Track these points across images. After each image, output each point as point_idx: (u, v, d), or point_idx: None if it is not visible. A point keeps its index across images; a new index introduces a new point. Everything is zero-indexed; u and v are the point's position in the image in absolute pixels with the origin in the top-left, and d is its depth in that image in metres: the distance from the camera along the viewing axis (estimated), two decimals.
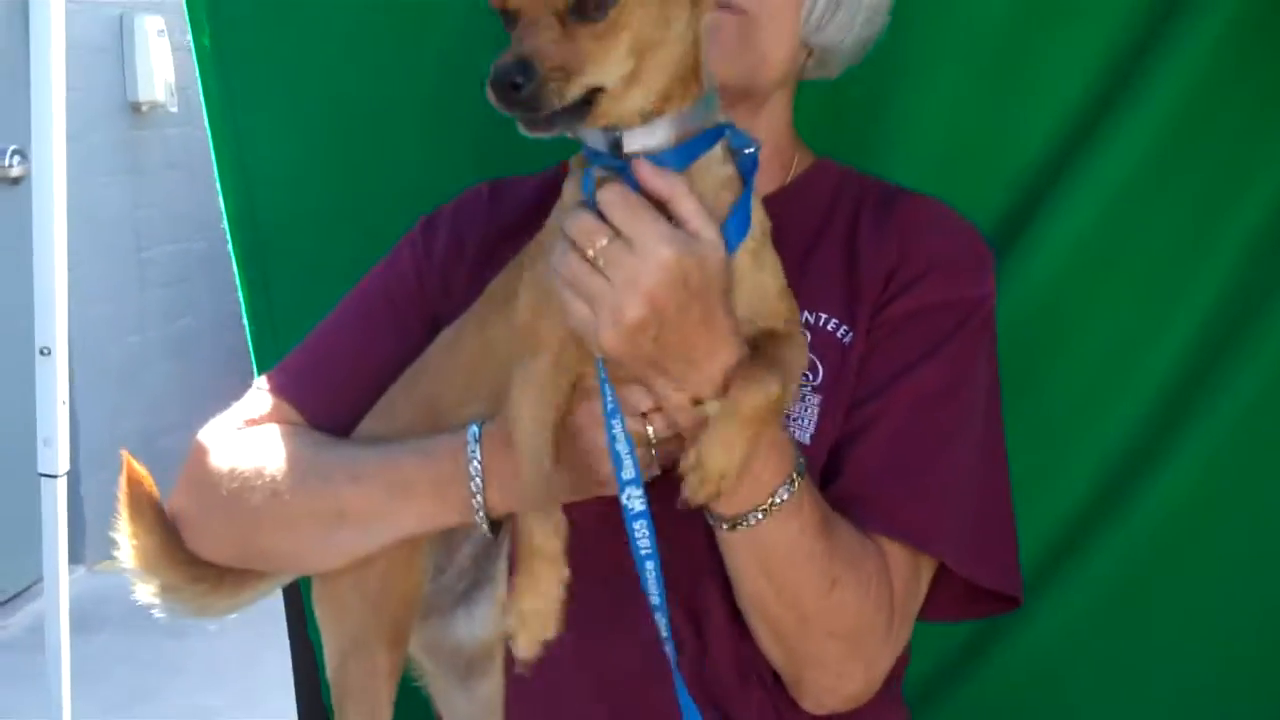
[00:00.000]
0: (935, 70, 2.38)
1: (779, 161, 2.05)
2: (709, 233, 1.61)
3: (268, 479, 1.90)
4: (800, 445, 1.82)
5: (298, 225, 2.57)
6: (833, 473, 1.87)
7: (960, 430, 1.89)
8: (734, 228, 1.64)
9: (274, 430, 1.98)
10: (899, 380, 1.88)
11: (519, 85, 1.47)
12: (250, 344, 2.63)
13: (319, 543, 1.90)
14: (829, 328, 1.91)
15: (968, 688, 2.50)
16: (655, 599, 1.66)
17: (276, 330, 2.60)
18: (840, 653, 1.81)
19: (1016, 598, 1.93)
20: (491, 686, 1.93)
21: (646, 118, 1.60)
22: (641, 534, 1.64)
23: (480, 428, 1.78)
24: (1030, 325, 2.39)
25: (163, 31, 6.89)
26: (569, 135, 1.59)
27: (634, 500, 1.64)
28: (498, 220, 2.11)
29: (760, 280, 1.72)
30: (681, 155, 1.62)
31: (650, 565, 1.65)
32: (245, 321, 2.62)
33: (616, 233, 1.57)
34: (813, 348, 1.87)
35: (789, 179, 2.07)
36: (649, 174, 1.60)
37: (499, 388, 1.74)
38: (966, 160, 2.42)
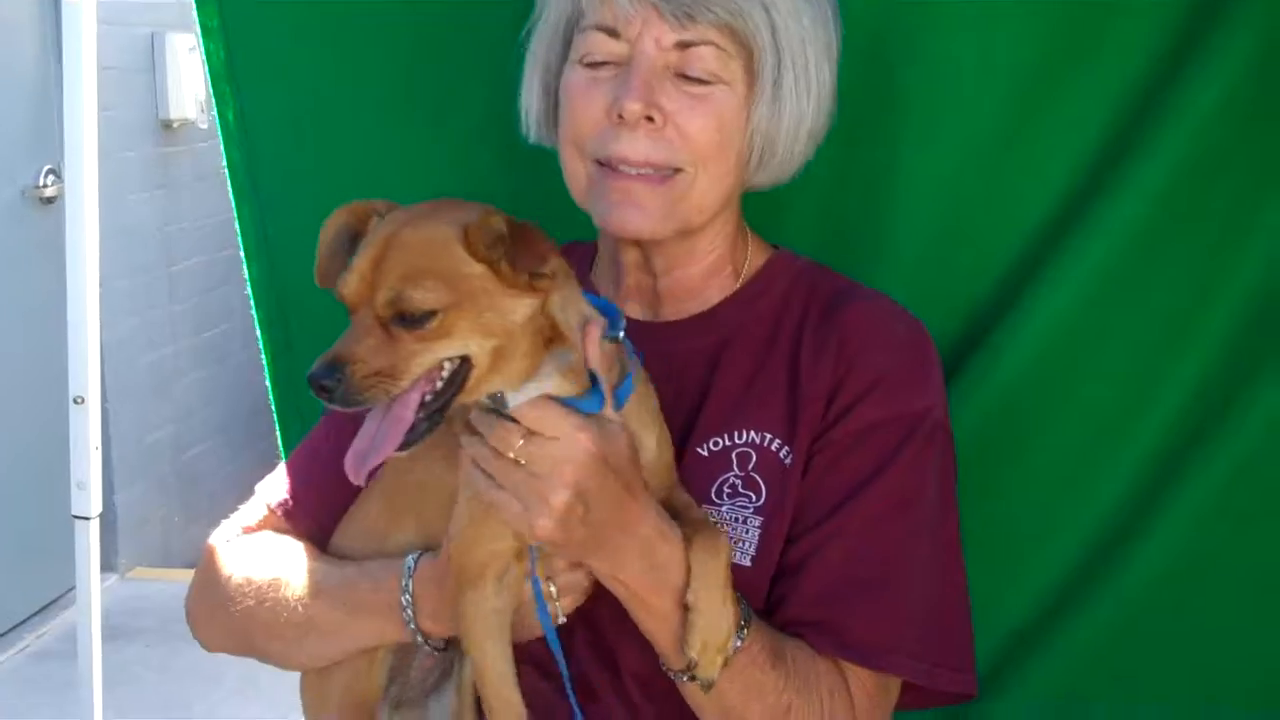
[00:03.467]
0: (933, 145, 2.42)
1: (728, 270, 2.12)
2: (612, 412, 1.76)
3: (253, 589, 2.10)
4: (741, 568, 1.92)
5: (318, 293, 2.65)
6: (782, 596, 1.94)
7: (910, 546, 1.95)
8: (621, 396, 1.80)
9: (265, 541, 2.17)
10: (846, 503, 1.94)
11: (329, 388, 1.62)
12: (274, 408, 2.73)
13: (293, 648, 2.10)
14: (772, 447, 1.98)
15: None
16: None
17: (299, 389, 2.68)
18: None
19: (971, 694, 2.01)
20: None
21: (520, 380, 1.73)
22: (570, 690, 1.87)
23: (415, 562, 1.95)
24: (1017, 397, 2.43)
25: (193, 49, 6.95)
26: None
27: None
28: None
29: (661, 455, 1.90)
30: (589, 405, 1.76)
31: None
32: (268, 381, 2.72)
33: (529, 433, 1.71)
34: (756, 468, 1.97)
35: (740, 284, 2.12)
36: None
37: (421, 519, 2.00)
38: (962, 230, 2.46)
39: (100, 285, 6.54)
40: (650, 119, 1.93)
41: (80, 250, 3.08)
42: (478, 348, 1.68)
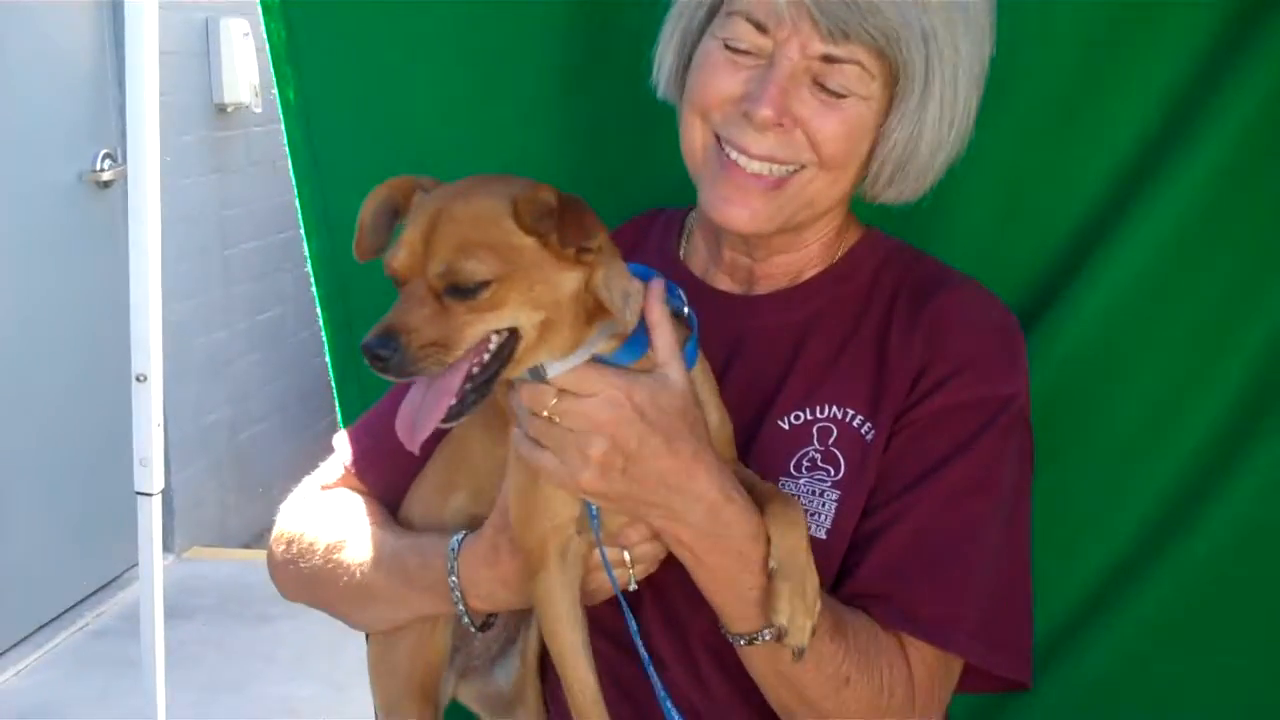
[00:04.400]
0: (995, 120, 2.39)
1: (826, 246, 2.13)
2: (673, 370, 1.77)
3: (320, 550, 2.16)
4: (817, 540, 1.92)
5: (376, 261, 2.66)
6: (852, 568, 1.95)
7: (982, 530, 1.95)
8: (689, 355, 1.83)
9: (339, 500, 2.23)
10: (923, 480, 1.94)
11: (384, 357, 1.64)
12: (333, 381, 2.75)
13: (358, 611, 2.17)
14: (854, 424, 1.99)
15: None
16: (661, 694, 1.86)
17: (359, 364, 2.70)
18: None
19: (1026, 684, 2.01)
20: (523, 714, 2.19)
21: (563, 354, 1.74)
22: (642, 647, 1.86)
23: (459, 544, 1.98)
24: (1083, 364, 2.43)
25: (247, 34, 7.01)
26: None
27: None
28: None
29: (723, 428, 1.92)
30: (625, 355, 1.78)
31: (651, 670, 1.87)
32: (328, 357, 2.75)
33: (563, 390, 1.73)
34: (836, 443, 1.98)
35: (835, 258, 2.13)
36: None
37: (474, 485, 2.05)
38: (1024, 205, 2.46)
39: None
40: (780, 124, 1.93)
41: (142, 230, 3.12)
42: (526, 320, 1.69)
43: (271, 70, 2.66)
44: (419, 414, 1.70)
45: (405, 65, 2.62)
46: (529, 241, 1.70)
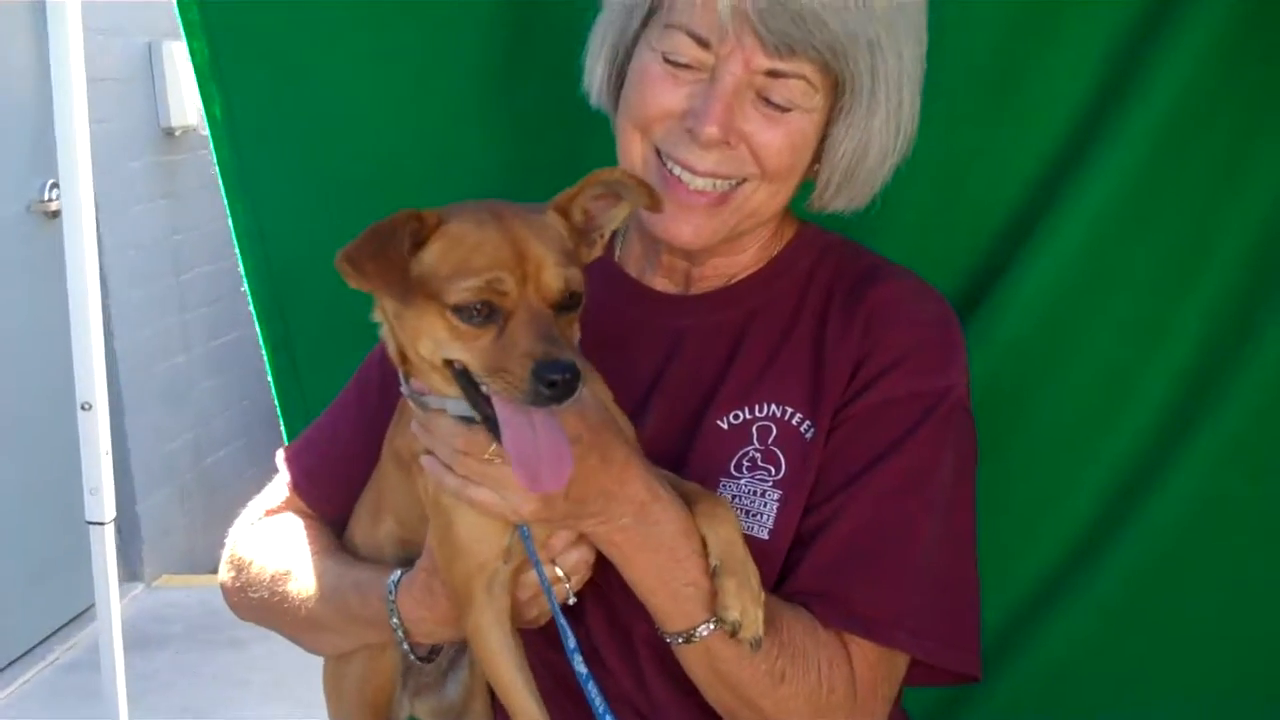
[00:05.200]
0: (926, 100, 2.40)
1: (764, 246, 2.11)
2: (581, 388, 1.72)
3: (267, 579, 2.16)
4: (759, 541, 1.91)
5: (313, 277, 2.62)
6: (792, 566, 1.93)
7: (922, 522, 1.93)
8: None
9: (281, 528, 2.22)
10: (861, 476, 1.92)
11: (571, 384, 1.58)
12: (276, 400, 2.72)
13: (307, 637, 2.17)
14: (793, 421, 1.97)
15: (975, 716, 2.54)
16: (599, 709, 1.83)
17: (300, 378, 2.70)
18: None
19: (975, 676, 1.98)
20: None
21: None
22: (579, 663, 1.83)
23: (395, 584, 1.96)
24: (1027, 346, 2.42)
25: None
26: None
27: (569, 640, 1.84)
28: None
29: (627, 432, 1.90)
30: None
31: (590, 687, 1.83)
32: (270, 378, 2.72)
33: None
34: (776, 441, 1.96)
35: (772, 255, 2.11)
36: None
37: (397, 513, 2.03)
38: (959, 186, 2.45)
39: (110, 296, 6.65)
40: (725, 141, 1.92)
41: (80, 253, 3.09)
42: (578, 332, 1.70)
43: (197, 88, 2.63)
44: (549, 456, 1.63)
45: (331, 73, 2.60)
46: (575, 246, 1.72)
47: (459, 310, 1.63)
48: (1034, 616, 2.50)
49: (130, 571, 6.87)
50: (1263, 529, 2.42)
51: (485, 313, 1.63)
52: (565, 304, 1.66)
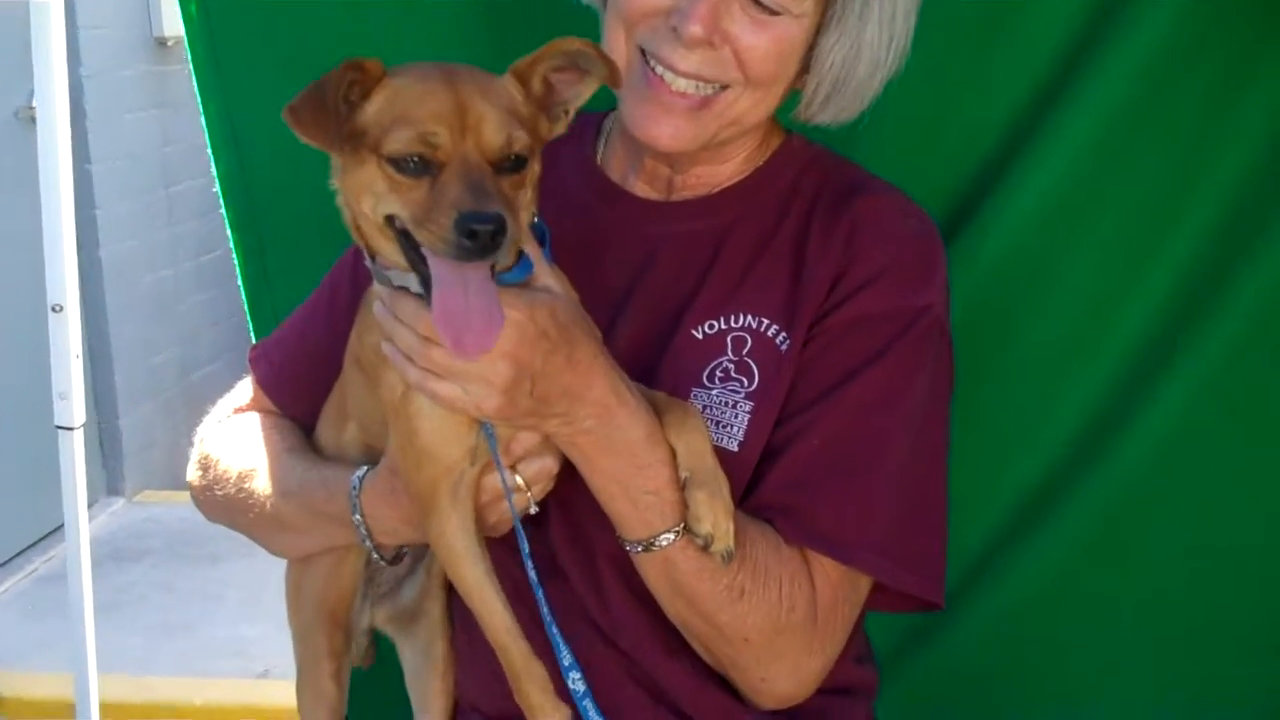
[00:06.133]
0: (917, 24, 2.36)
1: (749, 156, 2.06)
2: (552, 281, 1.71)
3: (233, 478, 2.12)
4: (729, 453, 1.87)
5: (288, 182, 2.55)
6: (759, 479, 1.89)
7: (892, 441, 1.89)
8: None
9: (251, 424, 2.18)
10: (834, 390, 1.88)
11: (495, 236, 1.54)
12: (247, 308, 2.67)
13: (271, 538, 2.13)
14: (768, 333, 1.93)
15: (943, 648, 2.53)
16: (546, 618, 1.82)
17: (272, 286, 2.65)
18: (759, 657, 1.86)
19: (938, 603, 1.95)
20: (426, 626, 2.16)
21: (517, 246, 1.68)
22: (531, 570, 1.82)
23: (360, 481, 1.93)
24: (1009, 270, 2.39)
25: None
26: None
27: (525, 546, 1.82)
28: None
29: None
30: (519, 272, 1.71)
31: (539, 593, 1.82)
32: (240, 284, 2.67)
33: None
34: (750, 353, 1.92)
35: (756, 165, 2.07)
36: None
37: (359, 417, 2.00)
38: (946, 111, 2.41)
39: (97, 207, 6.58)
40: (709, 42, 1.87)
41: (53, 150, 3.02)
42: (528, 201, 1.66)
43: (186, 41, 2.57)
44: (477, 318, 1.59)
45: (324, 24, 2.53)
46: (529, 112, 1.68)
47: (394, 161, 1.61)
48: (1004, 548, 2.48)
49: (111, 486, 6.86)
50: (1238, 463, 2.40)
51: (420, 164, 1.60)
52: (507, 164, 1.62)
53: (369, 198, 1.65)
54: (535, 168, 1.68)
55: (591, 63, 1.74)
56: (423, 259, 1.62)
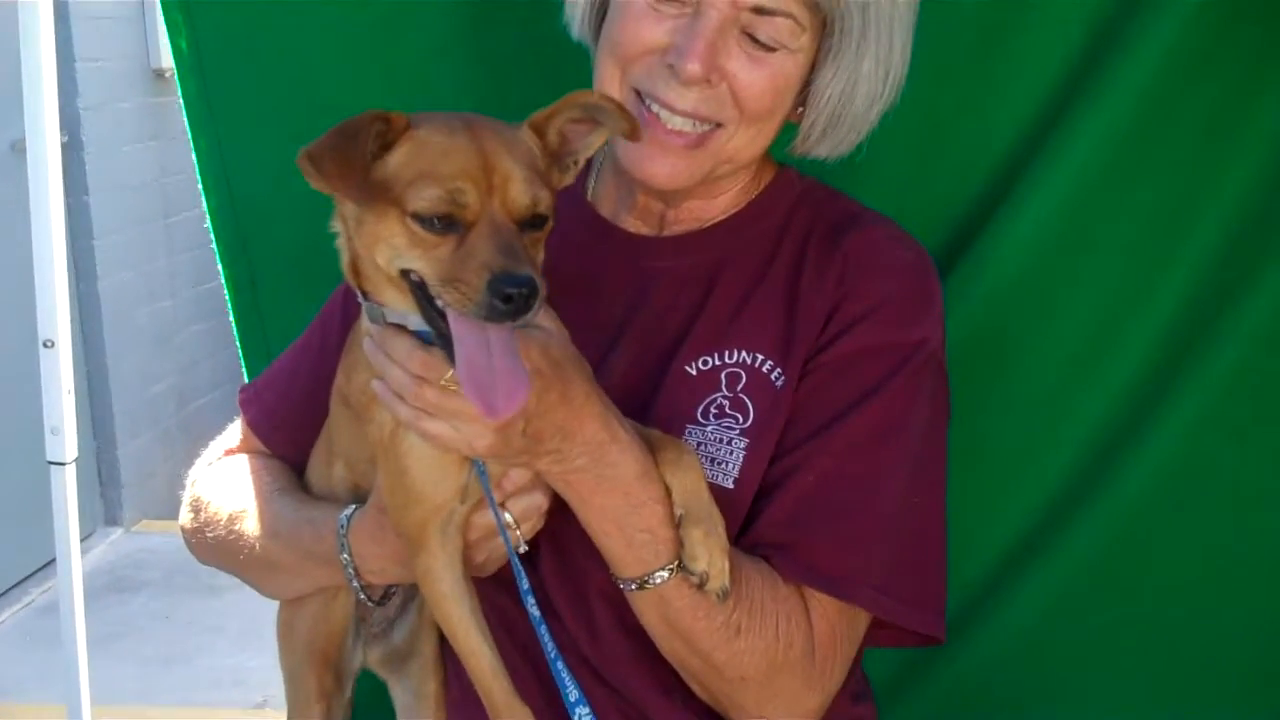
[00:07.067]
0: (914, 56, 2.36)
1: (742, 190, 2.05)
2: (545, 320, 1.69)
3: (223, 520, 2.10)
4: (724, 490, 1.85)
5: (279, 216, 2.58)
6: (755, 516, 1.87)
7: (888, 479, 1.87)
8: None
9: (241, 465, 2.17)
10: (829, 426, 1.87)
11: (528, 299, 1.52)
12: (238, 341, 2.67)
13: (263, 580, 2.12)
14: (763, 369, 1.91)
15: (943, 679, 2.51)
16: (551, 654, 1.80)
17: (264, 320, 2.65)
18: (757, 695, 1.84)
19: (938, 638, 1.93)
20: (418, 666, 2.12)
21: None
22: (533, 606, 1.79)
23: (348, 520, 1.91)
24: (1006, 303, 2.38)
25: None
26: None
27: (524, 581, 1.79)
28: None
29: None
30: None
31: (542, 630, 1.79)
32: (232, 318, 2.66)
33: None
34: (745, 389, 1.90)
35: (749, 199, 2.05)
36: None
37: (346, 456, 1.99)
38: (943, 140, 2.40)
39: (96, 238, 6.57)
40: (707, 80, 1.86)
41: (43, 182, 3.02)
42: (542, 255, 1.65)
43: (175, 71, 2.56)
44: (503, 376, 1.55)
45: (300, 8, 2.52)
46: (545, 164, 1.67)
47: (419, 217, 1.58)
48: (1003, 581, 2.46)
49: (109, 516, 6.84)
50: (1239, 493, 2.38)
51: (446, 222, 1.57)
52: (530, 222, 1.61)
53: (385, 250, 1.62)
54: (551, 223, 1.66)
55: (609, 117, 1.72)
56: (440, 315, 1.59)
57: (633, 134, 1.73)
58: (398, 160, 1.62)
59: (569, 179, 1.77)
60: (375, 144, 1.61)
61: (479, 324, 1.55)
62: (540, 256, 1.64)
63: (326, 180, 1.59)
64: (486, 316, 1.53)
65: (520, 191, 1.59)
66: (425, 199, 1.57)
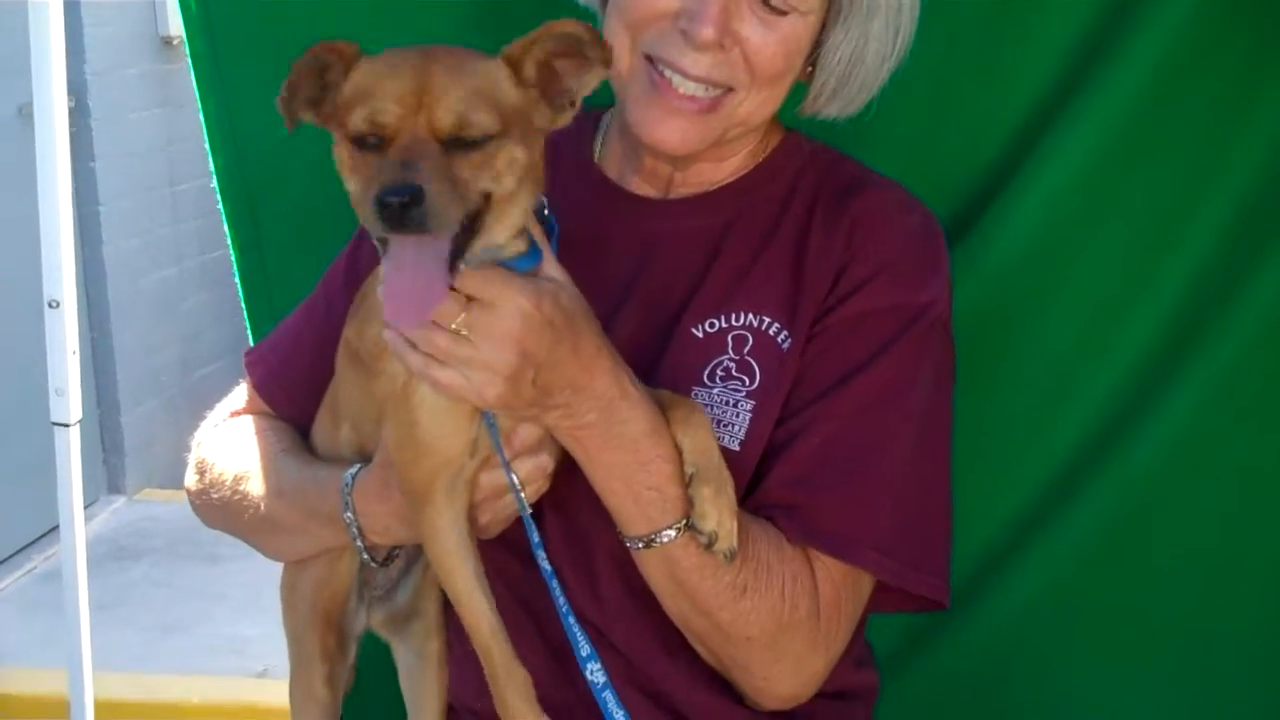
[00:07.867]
0: (921, 27, 2.32)
1: (751, 153, 2.05)
2: (557, 272, 1.69)
3: (228, 480, 2.09)
4: (730, 452, 1.84)
5: (286, 177, 2.58)
6: (760, 478, 1.87)
7: (895, 438, 1.87)
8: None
9: (246, 427, 2.16)
10: (835, 388, 1.86)
11: (408, 208, 1.51)
12: (244, 304, 2.65)
13: (267, 541, 2.10)
14: (770, 331, 1.91)
15: (946, 651, 2.50)
16: (563, 609, 1.79)
17: (270, 282, 2.63)
18: (761, 656, 1.84)
19: (942, 603, 1.93)
20: (421, 626, 2.12)
21: (512, 233, 1.66)
22: (544, 559, 1.79)
23: (352, 478, 1.90)
24: (1015, 274, 2.37)
25: None
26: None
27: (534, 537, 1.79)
28: None
29: None
30: (529, 260, 1.69)
31: (554, 583, 1.79)
32: (237, 280, 2.65)
33: (469, 301, 1.62)
34: (751, 351, 1.90)
35: (757, 163, 2.05)
36: None
37: (352, 416, 1.97)
38: (951, 115, 2.39)
39: (102, 204, 6.56)
40: (720, 44, 1.85)
41: (50, 139, 3.01)
42: (505, 184, 1.62)
43: (184, 32, 2.55)
44: (417, 291, 1.56)
45: (321, 19, 2.48)
46: (518, 99, 1.65)
47: (356, 140, 1.60)
48: (1008, 555, 2.46)
49: (112, 484, 6.84)
50: (1247, 468, 2.38)
51: (375, 142, 1.58)
52: (460, 142, 1.58)
53: (344, 176, 1.64)
54: (515, 152, 1.62)
55: (584, 46, 1.69)
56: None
57: (607, 59, 1.69)
58: (347, 87, 1.64)
59: (564, 119, 1.73)
60: (336, 74, 1.65)
61: (413, 241, 1.56)
62: (488, 174, 1.61)
63: (286, 110, 1.67)
64: (377, 229, 1.55)
65: (445, 109, 1.57)
66: (354, 120, 1.59)
